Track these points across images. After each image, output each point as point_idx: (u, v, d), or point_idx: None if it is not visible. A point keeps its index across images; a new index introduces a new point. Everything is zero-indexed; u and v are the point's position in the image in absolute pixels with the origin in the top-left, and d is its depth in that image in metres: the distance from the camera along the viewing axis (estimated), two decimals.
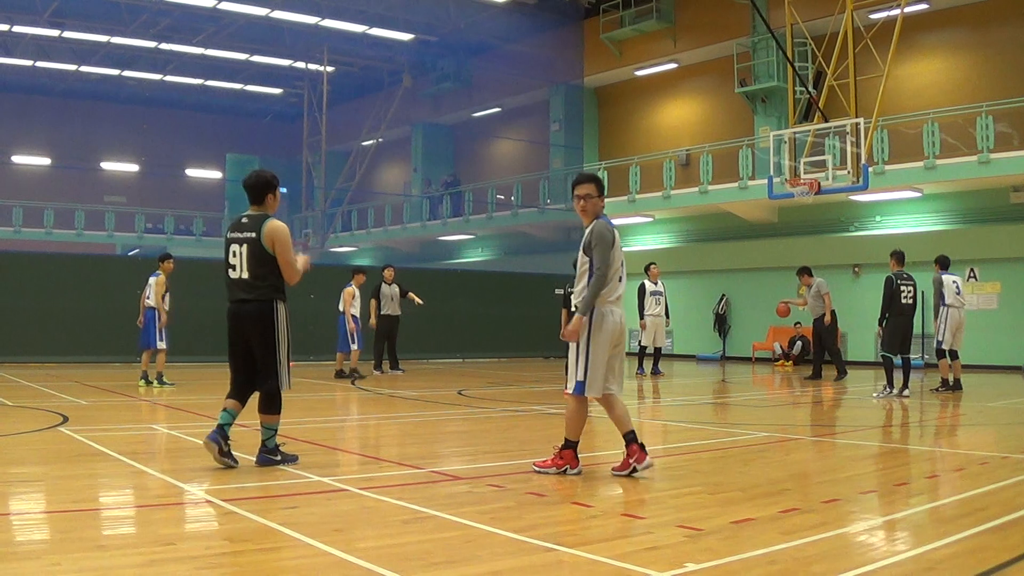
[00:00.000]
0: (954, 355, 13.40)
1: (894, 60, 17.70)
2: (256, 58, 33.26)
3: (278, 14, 28.00)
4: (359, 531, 4.42)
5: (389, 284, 16.24)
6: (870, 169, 17.61)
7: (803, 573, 3.70)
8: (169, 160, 37.64)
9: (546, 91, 30.85)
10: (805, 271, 16.33)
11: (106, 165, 37.95)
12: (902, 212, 21.74)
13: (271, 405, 6.15)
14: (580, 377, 5.88)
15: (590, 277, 5.89)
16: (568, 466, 5.93)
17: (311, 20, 28.83)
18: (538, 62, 30.17)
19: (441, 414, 10.34)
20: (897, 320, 12.46)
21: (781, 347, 22.41)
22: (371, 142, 35.39)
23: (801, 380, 16.35)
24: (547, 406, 11.21)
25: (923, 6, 21.26)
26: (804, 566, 3.80)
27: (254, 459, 6.14)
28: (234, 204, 36.64)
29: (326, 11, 28.28)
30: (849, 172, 17.08)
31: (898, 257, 12.76)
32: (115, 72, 34.37)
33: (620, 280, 6.00)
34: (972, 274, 20.27)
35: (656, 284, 17.11)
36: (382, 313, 16.07)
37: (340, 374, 15.24)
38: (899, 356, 12.61)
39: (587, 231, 5.99)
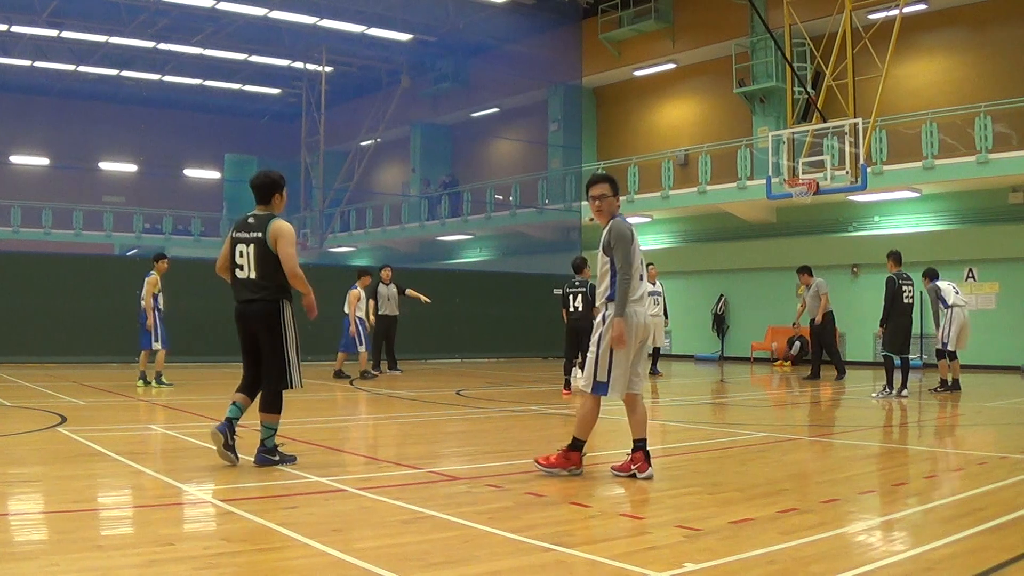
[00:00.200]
0: (953, 355, 13.42)
1: (893, 60, 17.69)
2: (254, 58, 33.22)
3: (276, 14, 27.97)
4: (358, 531, 4.42)
5: (387, 284, 16.24)
6: (868, 169, 17.61)
7: (802, 573, 3.71)
8: (167, 160, 37.60)
9: (545, 91, 30.84)
10: (805, 270, 16.35)
11: (104, 165, 37.90)
12: (901, 212, 21.75)
13: (272, 404, 6.16)
14: (603, 378, 5.80)
15: (612, 277, 5.83)
16: (573, 466, 5.91)
17: (309, 20, 28.80)
18: (537, 62, 30.17)
19: (440, 414, 10.34)
20: (899, 320, 12.48)
21: (780, 347, 22.42)
22: (369, 142, 35.37)
23: (800, 380, 16.36)
24: (546, 406, 11.21)
25: (922, 6, 21.27)
26: (803, 566, 3.80)
27: (253, 459, 6.14)
28: (232, 204, 36.61)
29: (324, 11, 28.26)
30: (848, 172, 17.08)
31: (896, 258, 12.78)
32: (113, 72, 34.33)
33: (641, 278, 5.95)
34: (970, 274, 20.29)
35: (654, 284, 17.10)
36: (380, 313, 16.06)
37: (339, 374, 15.24)
38: (898, 356, 12.63)
39: (605, 231, 5.94)
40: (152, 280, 12.41)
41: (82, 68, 33.18)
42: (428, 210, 33.99)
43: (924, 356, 19.44)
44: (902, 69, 21.58)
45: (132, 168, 38.36)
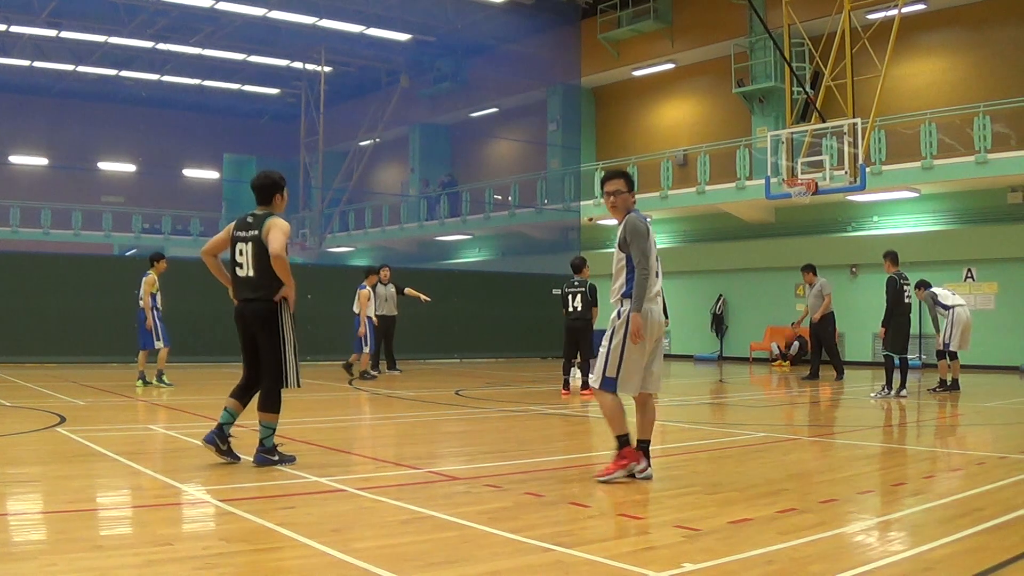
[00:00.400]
0: (953, 355, 13.44)
1: (891, 60, 17.68)
2: (253, 58, 33.20)
3: (275, 14, 27.96)
4: (357, 531, 4.42)
5: (385, 284, 16.23)
6: (867, 169, 17.61)
7: (801, 573, 3.71)
8: (166, 160, 37.59)
9: (544, 91, 30.85)
10: (810, 269, 16.38)
11: (103, 165, 37.88)
12: (899, 212, 21.76)
13: (271, 404, 6.16)
14: (611, 373, 5.70)
15: (629, 274, 5.76)
16: (632, 462, 5.68)
17: (308, 20, 28.79)
18: (535, 62, 30.17)
19: (439, 414, 10.34)
20: (900, 320, 12.50)
21: (778, 347, 22.43)
22: (368, 142, 35.36)
23: (799, 380, 16.37)
24: (545, 406, 11.21)
25: (921, 6, 21.28)
26: (802, 566, 3.80)
27: (252, 459, 6.14)
28: (231, 204, 36.60)
29: (323, 11, 28.25)
30: (846, 172, 17.08)
31: (893, 258, 12.79)
32: (112, 72, 34.31)
33: (657, 275, 5.87)
34: (969, 274, 20.30)
35: None
36: (378, 313, 16.05)
37: (364, 375, 15.24)
38: (897, 357, 12.64)
39: (620, 227, 5.84)
40: (149, 280, 12.40)
41: (81, 68, 33.17)
42: (427, 210, 33.98)
43: (923, 356, 19.44)
44: (901, 69, 21.58)
45: (131, 168, 38.35)
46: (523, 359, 22.83)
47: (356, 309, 15.11)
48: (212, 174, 39.49)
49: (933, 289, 13.48)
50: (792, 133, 19.11)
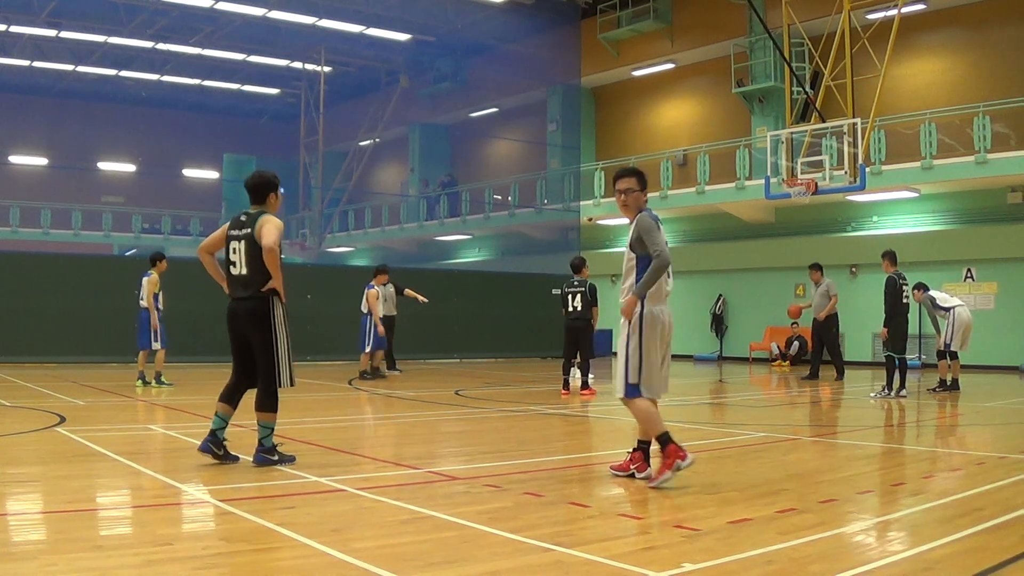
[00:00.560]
0: (954, 355, 13.45)
1: (891, 60, 17.69)
2: (253, 58, 33.20)
3: (275, 14, 27.96)
4: (356, 531, 4.42)
5: (384, 285, 16.21)
6: (867, 169, 17.62)
7: (800, 573, 3.71)
8: (166, 160, 37.58)
9: (543, 91, 30.84)
10: (816, 267, 16.42)
11: (103, 165, 37.88)
12: (899, 212, 21.77)
13: (267, 403, 6.15)
14: (633, 380, 5.65)
15: (639, 273, 5.68)
16: (677, 460, 5.52)
17: (308, 20, 28.79)
18: (535, 62, 30.15)
19: (438, 414, 10.34)
20: (899, 320, 12.50)
21: (778, 347, 22.43)
22: (368, 142, 35.36)
23: (799, 380, 16.37)
24: (544, 406, 11.21)
25: (920, 6, 21.28)
26: (801, 566, 3.80)
27: (251, 459, 6.14)
28: (231, 204, 36.57)
29: (323, 11, 28.25)
30: (846, 172, 17.08)
31: (891, 257, 12.79)
32: (112, 72, 34.31)
33: (668, 276, 5.77)
34: (969, 274, 20.30)
35: None
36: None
37: (364, 374, 15.22)
38: (897, 357, 12.64)
39: (632, 227, 5.79)
40: (152, 280, 12.39)
41: (81, 68, 33.17)
42: (427, 210, 33.98)
43: (923, 356, 19.43)
44: (901, 69, 21.59)
45: (131, 168, 38.35)
46: (523, 359, 22.82)
47: (364, 309, 15.10)
48: (212, 174, 39.48)
49: (931, 292, 13.50)
50: (792, 133, 19.11)
